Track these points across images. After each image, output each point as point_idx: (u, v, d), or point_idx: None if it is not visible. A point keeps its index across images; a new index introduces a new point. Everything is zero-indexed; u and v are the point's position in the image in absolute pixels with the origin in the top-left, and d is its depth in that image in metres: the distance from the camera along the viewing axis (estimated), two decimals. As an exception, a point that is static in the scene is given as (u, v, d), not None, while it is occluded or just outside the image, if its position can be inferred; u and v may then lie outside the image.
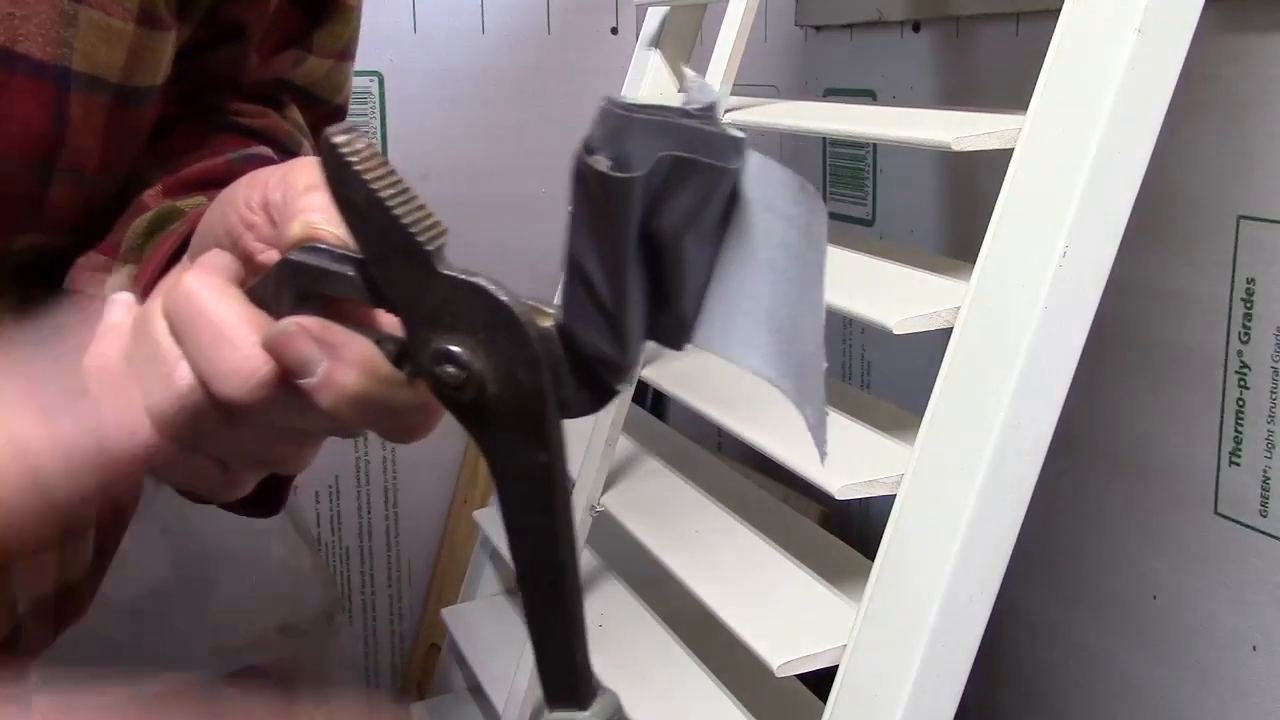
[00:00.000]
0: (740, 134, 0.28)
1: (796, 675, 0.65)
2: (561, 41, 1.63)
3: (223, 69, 0.62)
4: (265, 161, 0.59)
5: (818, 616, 0.67)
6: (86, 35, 0.49)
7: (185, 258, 0.48)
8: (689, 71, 0.30)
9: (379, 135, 1.57)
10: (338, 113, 0.72)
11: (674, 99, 0.29)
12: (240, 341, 0.37)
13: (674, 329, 0.31)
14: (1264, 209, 0.78)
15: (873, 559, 0.64)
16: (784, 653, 0.64)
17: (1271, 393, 0.78)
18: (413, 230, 0.33)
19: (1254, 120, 0.78)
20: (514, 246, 1.65)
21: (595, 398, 0.32)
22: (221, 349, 0.37)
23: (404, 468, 1.52)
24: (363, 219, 0.33)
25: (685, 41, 1.09)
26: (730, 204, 0.29)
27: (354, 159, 0.33)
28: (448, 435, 0.36)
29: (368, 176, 0.33)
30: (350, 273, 0.36)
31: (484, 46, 1.60)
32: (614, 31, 1.65)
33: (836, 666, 0.64)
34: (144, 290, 0.48)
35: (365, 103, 1.52)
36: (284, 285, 0.38)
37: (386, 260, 0.34)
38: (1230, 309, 0.81)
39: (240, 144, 0.61)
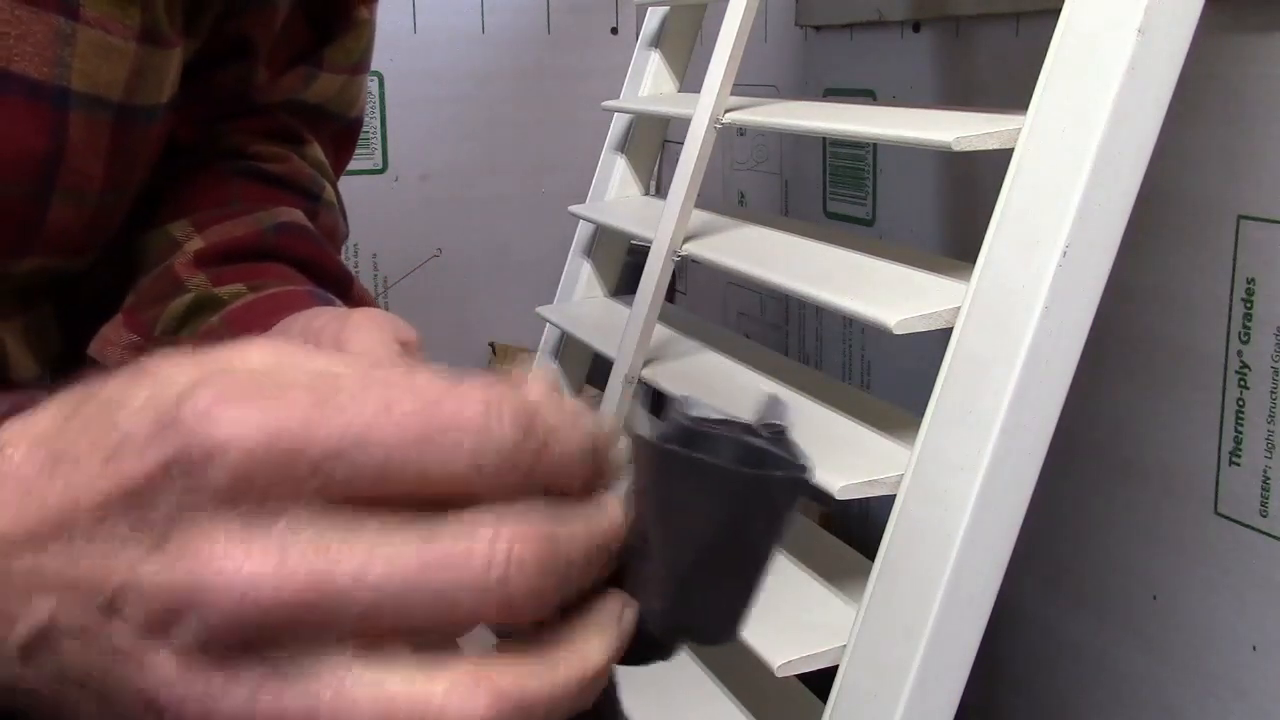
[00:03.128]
0: (807, 463, 0.28)
1: (796, 675, 0.65)
2: (561, 41, 1.63)
3: (233, 86, 0.62)
4: (297, 232, 0.59)
5: (818, 616, 0.67)
6: (85, 54, 0.49)
7: None
8: (767, 390, 0.29)
9: (379, 135, 1.57)
10: (353, 126, 0.72)
11: (744, 414, 0.28)
12: None
13: (719, 627, 0.30)
14: (1264, 209, 0.78)
15: (873, 559, 0.64)
16: (784, 653, 0.64)
17: (1271, 393, 0.78)
18: None
19: (1254, 120, 0.78)
20: (514, 246, 1.65)
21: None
22: None
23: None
24: None
25: (685, 41, 1.09)
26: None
27: None
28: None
29: None
30: None
31: (484, 46, 1.60)
32: (614, 31, 1.65)
33: (836, 666, 0.64)
34: None
35: (365, 102, 1.52)
36: None
37: None
38: (1230, 309, 0.81)
39: (266, 197, 0.61)
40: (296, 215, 0.60)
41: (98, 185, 0.52)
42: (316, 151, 0.67)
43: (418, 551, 0.25)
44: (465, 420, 0.26)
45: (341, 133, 0.71)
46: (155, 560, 0.25)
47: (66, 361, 0.57)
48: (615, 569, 0.29)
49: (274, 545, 0.25)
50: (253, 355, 0.28)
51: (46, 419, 0.27)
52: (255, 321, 0.50)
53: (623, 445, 0.28)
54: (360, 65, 0.68)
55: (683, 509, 0.28)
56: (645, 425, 0.28)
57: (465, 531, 0.26)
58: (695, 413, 0.28)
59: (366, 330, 0.42)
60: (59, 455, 0.26)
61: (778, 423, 0.28)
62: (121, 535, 0.25)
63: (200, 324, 0.52)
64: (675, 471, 0.27)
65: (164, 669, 0.25)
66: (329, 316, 0.45)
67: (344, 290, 0.59)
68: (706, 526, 0.27)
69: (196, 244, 0.57)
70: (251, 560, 0.25)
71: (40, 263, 0.53)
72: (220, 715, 0.25)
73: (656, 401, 0.29)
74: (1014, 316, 0.59)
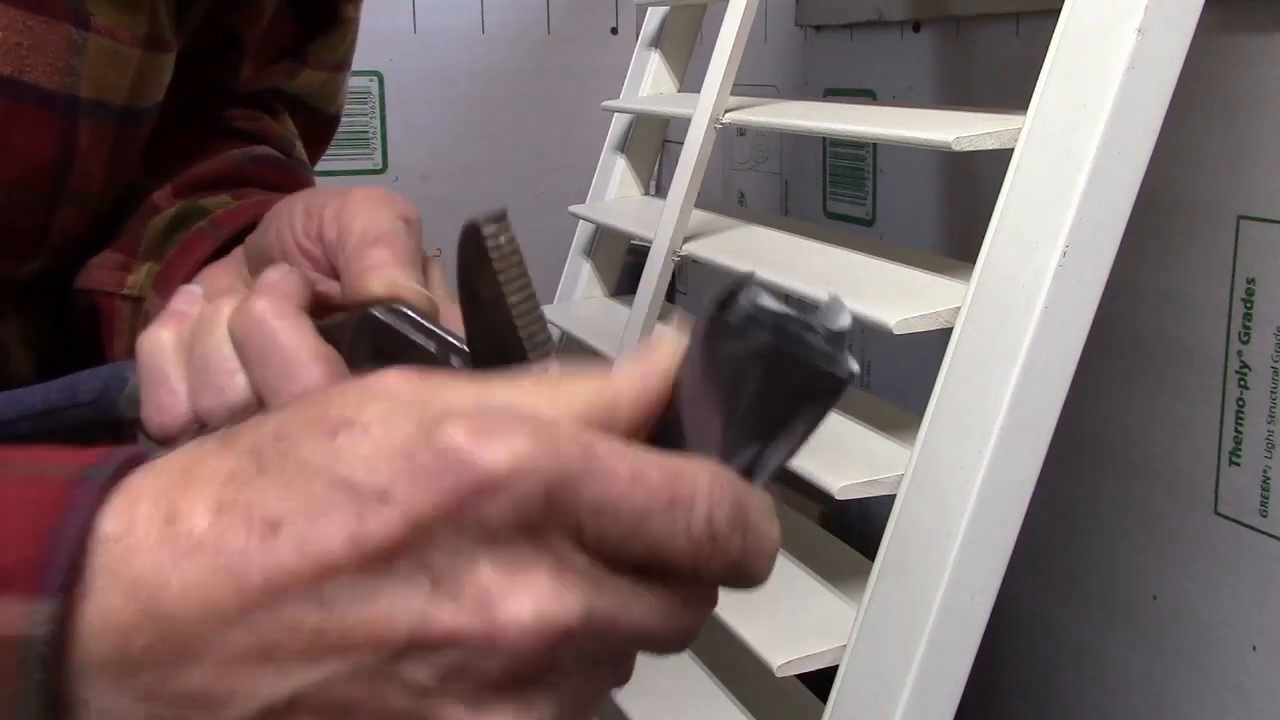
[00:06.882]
0: (854, 369, 0.29)
1: (796, 675, 0.65)
2: (561, 41, 1.63)
3: (216, 77, 0.62)
4: (273, 162, 0.59)
5: (818, 616, 0.67)
6: (95, 63, 0.49)
7: (233, 256, 0.48)
8: (832, 293, 0.30)
9: (379, 135, 1.57)
10: (332, 122, 0.72)
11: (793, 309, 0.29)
12: (309, 379, 0.37)
13: None
14: (1264, 209, 0.78)
15: (873, 559, 0.64)
16: (784, 653, 0.64)
17: (1271, 393, 0.78)
18: (526, 344, 0.33)
19: (1254, 120, 0.78)
20: (514, 246, 1.65)
21: None
22: (288, 383, 0.37)
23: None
24: (482, 313, 0.34)
25: (685, 41, 1.09)
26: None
27: (495, 254, 0.33)
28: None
29: (503, 275, 0.33)
30: (432, 349, 0.36)
31: (484, 46, 1.60)
32: (614, 31, 1.65)
33: (836, 666, 0.64)
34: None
35: (365, 103, 1.52)
36: (363, 337, 0.38)
37: (487, 358, 0.34)
38: (1230, 309, 0.81)
39: (238, 145, 0.61)
40: (272, 151, 0.60)
41: (98, 187, 0.52)
42: (288, 122, 0.67)
43: (664, 604, 0.27)
44: (696, 502, 0.27)
45: (320, 126, 0.71)
46: (443, 605, 0.25)
47: (59, 356, 0.57)
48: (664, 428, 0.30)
49: (556, 582, 0.25)
50: (391, 383, 0.27)
51: (213, 473, 0.26)
52: (245, 215, 0.49)
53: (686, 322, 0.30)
54: (343, 63, 0.68)
55: (732, 380, 0.29)
56: (709, 305, 0.29)
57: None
58: (760, 302, 0.29)
59: (369, 209, 0.41)
60: (270, 520, 0.25)
61: (835, 328, 0.29)
62: (398, 582, 0.25)
63: (184, 234, 0.52)
64: (735, 349, 0.28)
65: (458, 714, 0.25)
66: (328, 194, 0.44)
67: None
68: (750, 398, 0.28)
69: (174, 182, 0.57)
70: (542, 598, 0.25)
71: (42, 265, 0.53)
72: None
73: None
74: (1014, 316, 0.59)
